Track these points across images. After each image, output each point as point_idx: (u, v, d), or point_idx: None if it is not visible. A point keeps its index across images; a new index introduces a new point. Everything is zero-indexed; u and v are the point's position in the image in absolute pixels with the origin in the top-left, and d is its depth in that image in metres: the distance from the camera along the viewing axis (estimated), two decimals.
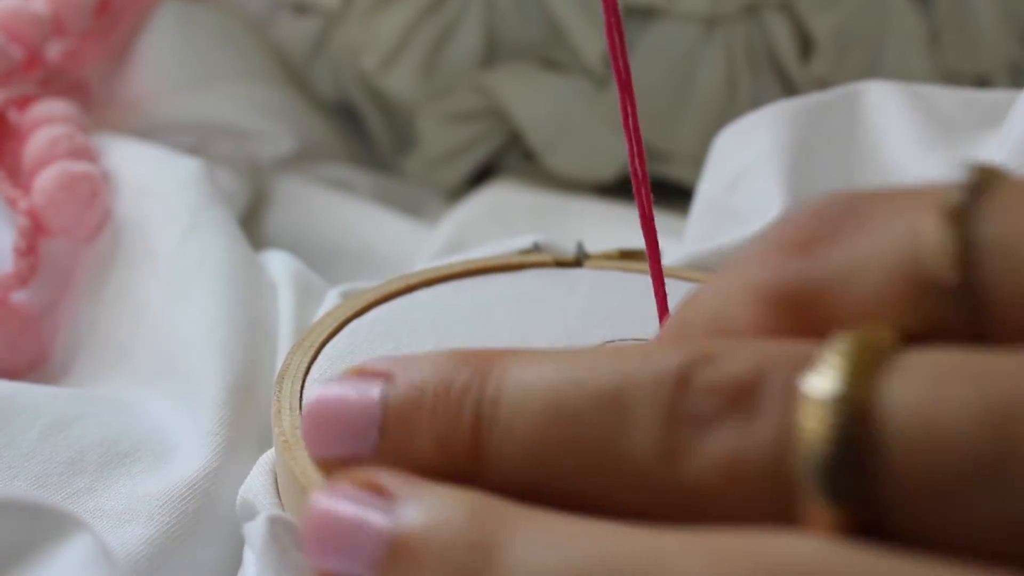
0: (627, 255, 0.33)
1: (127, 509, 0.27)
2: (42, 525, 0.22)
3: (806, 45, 0.47)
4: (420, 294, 0.30)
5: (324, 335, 0.28)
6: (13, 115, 0.41)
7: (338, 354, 0.28)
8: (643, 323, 0.29)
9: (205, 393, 0.30)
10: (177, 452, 0.29)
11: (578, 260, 0.33)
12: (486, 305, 0.30)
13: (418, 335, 0.28)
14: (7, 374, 0.33)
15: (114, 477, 0.28)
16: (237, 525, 0.26)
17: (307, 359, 0.27)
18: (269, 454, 0.27)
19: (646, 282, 0.31)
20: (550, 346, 0.28)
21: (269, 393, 0.30)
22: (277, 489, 0.26)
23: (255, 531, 0.23)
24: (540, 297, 0.31)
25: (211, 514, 0.27)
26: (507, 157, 0.51)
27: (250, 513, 0.25)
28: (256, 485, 0.26)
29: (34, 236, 0.36)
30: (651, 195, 0.26)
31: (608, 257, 0.33)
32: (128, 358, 0.33)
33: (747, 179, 0.34)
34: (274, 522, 0.23)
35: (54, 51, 0.44)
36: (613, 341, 0.29)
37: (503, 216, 0.45)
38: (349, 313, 0.29)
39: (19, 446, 0.28)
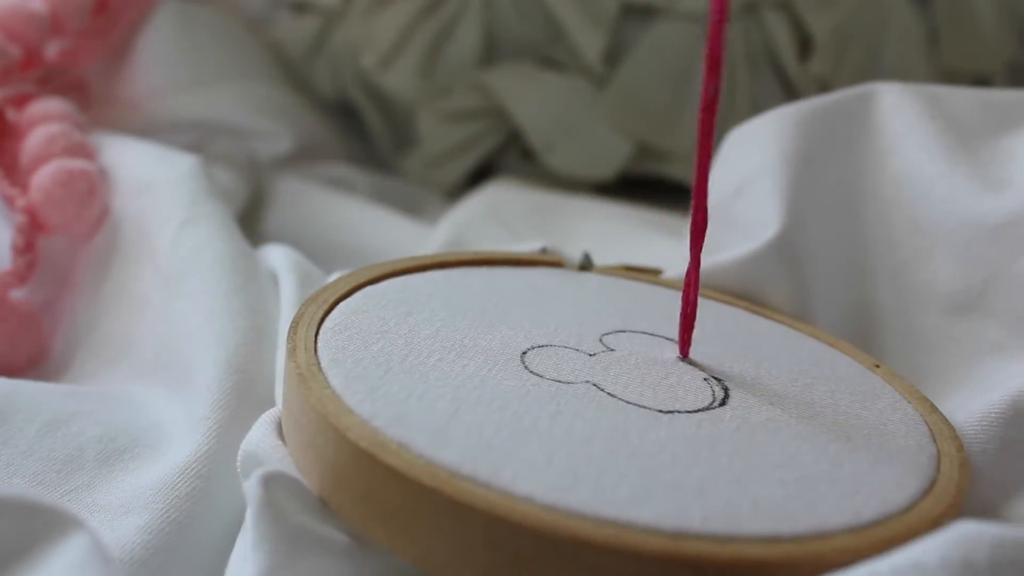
0: (631, 271, 0.34)
1: (124, 504, 0.27)
2: (39, 524, 0.22)
3: (805, 44, 0.47)
4: (432, 273, 0.31)
5: (338, 294, 0.29)
6: (11, 113, 0.41)
7: (352, 310, 0.28)
8: (651, 321, 0.30)
9: (200, 382, 0.30)
10: (173, 444, 0.29)
11: (583, 269, 0.33)
12: (497, 288, 0.31)
13: (430, 305, 0.29)
14: (6, 371, 0.33)
15: (112, 473, 0.28)
16: (235, 504, 0.27)
17: (321, 311, 0.28)
18: (272, 412, 0.27)
19: (652, 290, 0.32)
20: (562, 327, 0.29)
21: (267, 375, 0.31)
22: (281, 436, 0.26)
23: (251, 492, 0.23)
24: (549, 288, 0.31)
25: (207, 495, 0.27)
26: (506, 156, 0.51)
27: (253, 465, 0.26)
28: (258, 434, 0.26)
29: (32, 233, 0.36)
30: (705, 197, 0.26)
31: (612, 272, 0.34)
32: (127, 354, 0.33)
33: (751, 187, 0.34)
34: (269, 481, 0.23)
35: (52, 50, 0.44)
36: (624, 331, 0.29)
37: (502, 215, 0.45)
38: (363, 279, 0.30)
39: (17, 443, 0.28)
